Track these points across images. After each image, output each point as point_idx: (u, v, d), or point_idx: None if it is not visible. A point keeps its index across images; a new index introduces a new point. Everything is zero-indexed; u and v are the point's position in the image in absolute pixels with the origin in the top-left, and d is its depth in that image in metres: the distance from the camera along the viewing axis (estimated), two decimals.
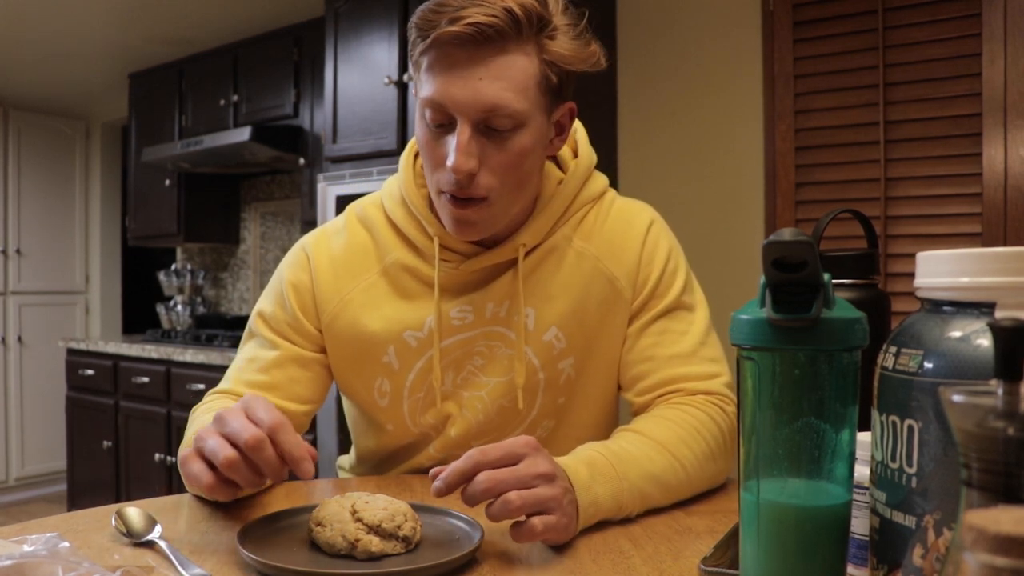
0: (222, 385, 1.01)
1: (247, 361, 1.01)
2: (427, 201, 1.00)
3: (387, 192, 1.03)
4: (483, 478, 0.69)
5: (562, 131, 0.96)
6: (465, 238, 0.94)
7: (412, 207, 0.99)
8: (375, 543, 0.69)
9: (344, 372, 1.02)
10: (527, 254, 0.98)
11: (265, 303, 1.04)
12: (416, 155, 1.04)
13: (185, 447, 0.81)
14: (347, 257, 1.01)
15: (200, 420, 0.91)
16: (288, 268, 1.03)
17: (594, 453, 0.83)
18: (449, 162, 0.86)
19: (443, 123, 0.88)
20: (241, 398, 0.75)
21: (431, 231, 0.97)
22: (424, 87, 0.88)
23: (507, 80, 0.85)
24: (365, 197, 1.06)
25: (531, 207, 0.98)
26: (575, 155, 1.04)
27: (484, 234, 0.94)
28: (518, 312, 0.97)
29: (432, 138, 0.89)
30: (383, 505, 0.72)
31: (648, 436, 0.88)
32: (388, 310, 0.98)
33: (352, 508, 0.71)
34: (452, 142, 0.86)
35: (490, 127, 0.87)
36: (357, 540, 0.69)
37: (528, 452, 0.72)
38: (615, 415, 1.10)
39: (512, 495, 0.69)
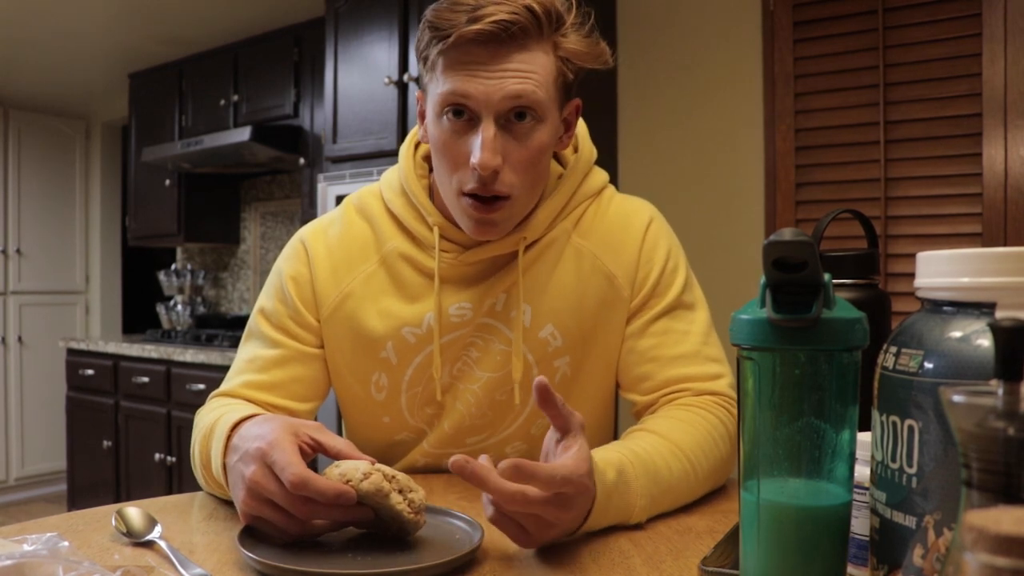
0: (223, 387, 1.00)
1: (247, 362, 1.00)
2: (428, 191, 1.00)
3: (386, 183, 1.03)
4: (525, 516, 0.68)
5: (569, 127, 0.97)
6: (485, 238, 0.94)
7: (412, 197, 0.99)
8: (387, 485, 0.69)
9: (339, 366, 1.01)
10: (526, 249, 0.98)
11: (265, 299, 1.03)
12: (416, 145, 1.04)
13: (220, 474, 0.82)
14: (344, 247, 1.01)
15: (216, 433, 0.85)
16: (286, 261, 1.03)
17: (624, 460, 0.80)
18: (475, 159, 0.86)
19: (465, 120, 0.87)
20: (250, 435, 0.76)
21: (431, 221, 0.97)
22: (443, 85, 0.87)
23: (529, 75, 0.86)
24: (364, 188, 1.06)
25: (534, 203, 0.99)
26: (575, 150, 1.04)
27: (502, 233, 0.94)
28: (514, 307, 0.97)
29: (452, 138, 0.88)
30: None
31: (671, 440, 0.87)
32: (387, 305, 0.98)
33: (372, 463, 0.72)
34: (475, 140, 0.86)
35: (512, 122, 0.87)
36: (370, 473, 0.69)
37: (576, 494, 0.69)
38: (613, 416, 1.09)
39: (532, 529, 0.68)
